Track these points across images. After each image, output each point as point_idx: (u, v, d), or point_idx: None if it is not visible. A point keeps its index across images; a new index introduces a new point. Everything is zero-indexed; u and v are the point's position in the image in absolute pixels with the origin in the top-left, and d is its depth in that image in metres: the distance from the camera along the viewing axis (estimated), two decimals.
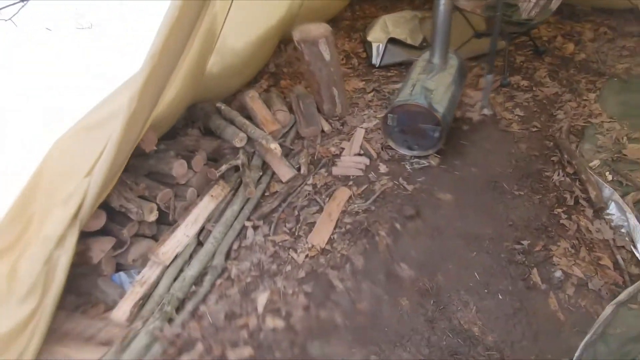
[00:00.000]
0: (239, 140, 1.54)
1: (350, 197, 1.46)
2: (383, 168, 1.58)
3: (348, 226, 1.35)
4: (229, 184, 1.51)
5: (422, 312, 1.14)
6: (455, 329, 1.10)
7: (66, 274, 1.07)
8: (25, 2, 3.84)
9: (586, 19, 2.28)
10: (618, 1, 2.21)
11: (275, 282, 1.19)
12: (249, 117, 1.68)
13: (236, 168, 1.57)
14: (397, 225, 1.35)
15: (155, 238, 1.39)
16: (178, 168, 1.39)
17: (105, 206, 1.23)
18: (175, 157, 1.42)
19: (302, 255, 1.26)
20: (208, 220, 1.39)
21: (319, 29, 1.58)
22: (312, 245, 1.28)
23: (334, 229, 1.35)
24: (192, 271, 1.28)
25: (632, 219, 1.25)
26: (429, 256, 1.28)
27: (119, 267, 1.31)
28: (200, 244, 1.36)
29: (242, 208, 1.45)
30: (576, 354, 1.02)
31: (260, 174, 1.57)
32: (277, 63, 2.27)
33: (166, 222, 1.42)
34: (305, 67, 1.68)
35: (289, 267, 1.23)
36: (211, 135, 1.70)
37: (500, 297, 1.17)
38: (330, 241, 1.31)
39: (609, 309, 1.08)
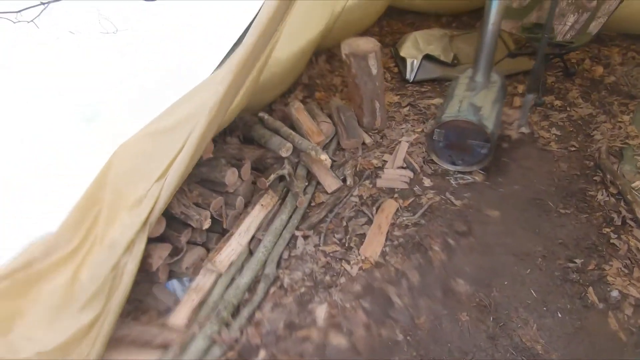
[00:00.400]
0: (285, 150, 1.55)
1: (397, 210, 1.47)
2: (427, 182, 1.59)
3: (400, 239, 1.35)
4: (277, 193, 1.51)
5: (483, 328, 1.14)
6: (518, 347, 1.10)
7: (132, 280, 1.06)
8: (46, 4, 3.88)
9: (612, 43, 2.34)
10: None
11: (330, 294, 1.19)
12: (293, 128, 1.69)
13: (281, 178, 1.58)
14: (450, 241, 1.36)
15: (204, 246, 1.39)
16: (230, 176, 1.39)
17: (164, 212, 1.22)
18: (227, 165, 1.42)
19: (356, 267, 1.26)
20: (258, 229, 1.39)
21: (368, 44, 1.60)
22: (365, 258, 1.28)
23: (385, 241, 1.35)
24: (245, 279, 1.27)
25: None
26: (483, 272, 1.29)
27: (170, 275, 1.30)
28: (250, 252, 1.36)
29: (290, 218, 1.45)
30: None
31: (306, 184, 1.57)
32: (310, 75, 2.30)
33: (214, 229, 1.42)
34: (351, 80, 1.70)
35: (343, 279, 1.23)
36: (250, 144, 1.71)
37: (559, 315, 1.17)
38: (383, 254, 1.31)
39: None
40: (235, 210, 1.42)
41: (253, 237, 1.38)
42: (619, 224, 1.40)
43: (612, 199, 1.48)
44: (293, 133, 1.61)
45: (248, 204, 1.48)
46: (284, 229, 1.39)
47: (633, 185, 1.52)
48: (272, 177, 1.48)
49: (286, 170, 1.54)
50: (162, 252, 1.22)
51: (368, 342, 1.07)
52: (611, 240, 1.35)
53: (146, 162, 1.11)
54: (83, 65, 2.88)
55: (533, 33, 1.96)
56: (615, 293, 1.21)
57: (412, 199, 1.51)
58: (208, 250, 1.38)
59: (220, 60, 1.30)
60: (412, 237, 1.36)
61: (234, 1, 3.40)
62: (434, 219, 1.43)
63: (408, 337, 1.11)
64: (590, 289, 1.23)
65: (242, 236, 1.34)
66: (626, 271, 1.26)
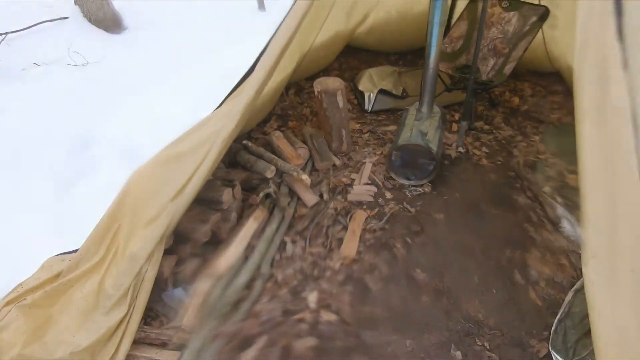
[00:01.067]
0: (270, 172, 1.81)
1: (366, 218, 1.78)
2: (388, 195, 1.93)
3: (370, 241, 1.66)
4: (265, 208, 1.76)
5: (439, 305, 1.45)
6: (466, 317, 1.42)
7: (152, 285, 1.24)
8: (4, 35, 3.88)
9: (524, 79, 2.90)
10: (546, 65, 2.85)
11: (319, 284, 1.44)
12: (274, 153, 1.96)
13: (267, 195, 1.83)
14: (409, 240, 1.68)
15: (202, 256, 1.58)
16: (226, 195, 1.62)
17: None
18: (222, 186, 1.65)
19: (337, 263, 1.54)
20: (252, 237, 1.62)
21: (335, 82, 1.94)
22: (345, 256, 1.56)
23: (359, 243, 1.65)
24: (242, 278, 1.48)
25: (578, 230, 1.69)
26: (436, 263, 1.61)
27: (175, 283, 1.48)
28: (246, 258, 1.58)
29: (278, 227, 1.70)
30: (552, 329, 1.37)
31: (289, 200, 1.84)
32: (282, 106, 2.60)
33: (210, 242, 1.62)
34: (321, 112, 2.02)
35: (328, 273, 1.50)
36: (234, 168, 1.95)
37: (494, 292, 1.51)
38: (358, 252, 1.60)
39: (569, 294, 1.46)
40: (230, 224, 1.65)
41: (248, 245, 1.61)
42: (535, 220, 1.81)
43: (530, 202, 1.91)
44: (275, 157, 1.88)
45: (239, 218, 1.71)
46: (274, 236, 1.64)
47: (544, 190, 1.96)
48: (262, 194, 1.73)
49: (272, 188, 1.80)
50: (170, 263, 1.41)
51: (354, 316, 1.34)
52: (530, 234, 1.74)
53: (161, 185, 1.31)
54: (52, 96, 2.93)
55: (463, 72, 2.44)
56: (533, 272, 1.59)
57: (377, 209, 1.83)
58: (206, 260, 1.58)
59: (227, 95, 1.54)
60: (379, 239, 1.67)
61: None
62: (395, 224, 1.76)
63: (384, 314, 1.39)
64: (516, 271, 1.59)
65: (238, 244, 1.56)
66: (541, 256, 1.65)
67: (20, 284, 1.27)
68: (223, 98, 1.56)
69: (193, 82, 2.74)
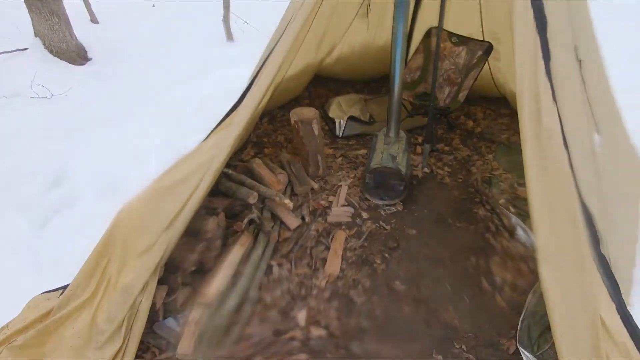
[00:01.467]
0: (253, 198, 1.89)
1: (346, 238, 1.90)
2: (365, 215, 2.07)
3: (352, 258, 1.77)
4: (250, 233, 1.82)
5: (419, 314, 1.58)
6: (443, 323, 1.55)
7: (147, 316, 1.26)
8: None
9: (477, 104, 3.22)
10: (493, 91, 3.19)
11: (307, 302, 1.53)
12: (255, 180, 2.05)
13: (250, 221, 1.90)
14: (386, 255, 1.82)
15: (191, 285, 1.61)
16: (211, 224, 1.68)
17: None
18: (206, 214, 1.71)
19: (323, 281, 1.64)
20: (239, 263, 1.68)
21: (310, 112, 2.09)
22: (329, 274, 1.66)
23: (341, 261, 1.76)
24: (231, 304, 1.53)
25: (531, 236, 1.91)
26: (412, 275, 1.75)
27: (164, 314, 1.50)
28: (234, 283, 1.63)
29: (263, 252, 1.77)
30: (518, 327, 1.53)
31: (272, 224, 1.92)
32: (257, 134, 2.71)
33: (198, 270, 1.66)
34: (298, 140, 2.15)
35: (315, 291, 1.59)
36: (217, 196, 2.02)
37: (466, 299, 1.66)
38: (342, 270, 1.71)
39: (530, 296, 1.64)
40: (215, 252, 1.70)
41: (235, 271, 1.66)
42: (494, 230, 2.01)
43: (489, 214, 2.11)
44: (257, 184, 1.96)
45: (224, 245, 1.76)
46: (260, 260, 1.71)
47: (499, 202, 2.19)
48: (246, 220, 1.81)
49: (255, 214, 1.87)
50: (162, 293, 1.44)
51: (342, 329, 1.43)
52: (491, 242, 1.93)
53: (153, 216, 1.35)
54: (18, 130, 2.85)
55: (423, 100, 2.69)
56: (498, 279, 1.76)
57: (355, 229, 1.96)
58: (195, 289, 1.61)
59: (215, 126, 1.62)
60: (360, 256, 1.79)
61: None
62: (373, 241, 1.89)
63: (370, 325, 1.49)
64: (483, 278, 1.76)
65: (226, 270, 1.61)
66: (502, 263, 1.84)
67: (6, 325, 1.25)
68: (210, 130, 1.63)
69: (166, 113, 2.78)
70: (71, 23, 4.25)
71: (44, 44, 4.15)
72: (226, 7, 4.35)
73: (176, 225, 1.34)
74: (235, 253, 1.68)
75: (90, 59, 4.43)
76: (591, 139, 1.30)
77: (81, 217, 1.82)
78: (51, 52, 4.15)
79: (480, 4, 2.58)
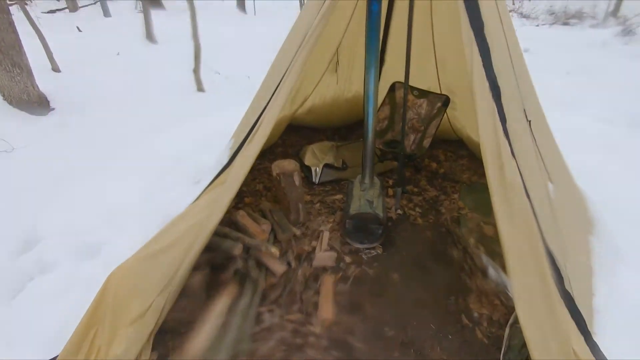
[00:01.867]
0: (238, 250, 1.93)
1: (334, 282, 1.95)
2: (348, 259, 2.15)
3: (343, 303, 1.83)
4: (236, 283, 1.83)
5: (409, 356, 1.64)
6: None
7: None
8: None
9: (439, 147, 3.50)
10: (452, 135, 3.49)
11: (305, 352, 1.54)
12: (239, 231, 2.08)
13: (236, 270, 1.91)
14: (374, 299, 1.88)
15: (180, 346, 1.57)
16: (197, 280, 1.69)
17: None
18: (192, 271, 1.70)
19: (318, 327, 1.67)
20: (227, 314, 1.67)
21: (290, 165, 2.20)
22: (324, 319, 1.70)
23: (332, 305, 1.80)
24: (222, 357, 1.50)
25: (502, 274, 2.07)
26: (398, 319, 1.82)
27: None
28: (223, 335, 1.61)
29: (251, 299, 1.78)
30: None
31: (258, 272, 1.94)
32: None
33: (185, 328, 1.63)
34: (280, 191, 2.23)
35: (312, 339, 1.61)
36: None
37: (449, 336, 1.76)
38: (334, 314, 1.76)
39: (507, 329, 1.77)
40: (202, 306, 1.68)
41: (223, 322, 1.65)
42: (468, 270, 2.16)
43: (461, 253, 2.27)
44: (242, 235, 2.00)
45: (210, 297, 1.75)
46: (249, 308, 1.71)
47: (469, 241, 2.36)
48: (232, 271, 1.82)
49: (240, 264, 1.90)
50: (152, 356, 1.40)
51: None
52: (466, 282, 2.07)
53: (146, 280, 1.35)
54: None
55: (391, 147, 2.91)
56: (476, 314, 1.88)
57: (341, 273, 2.03)
58: (184, 348, 1.57)
59: (207, 185, 1.66)
60: (350, 300, 1.85)
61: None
62: (360, 285, 1.96)
63: None
64: (463, 315, 1.87)
65: (212, 322, 1.60)
66: (478, 299, 1.97)
67: None
68: (203, 187, 1.67)
69: (142, 166, 2.76)
70: (33, 72, 4.16)
71: (3, 95, 4.02)
72: (197, 58, 4.48)
73: (170, 288, 1.34)
74: (222, 303, 1.69)
75: (53, 109, 4.32)
76: (546, 187, 1.50)
77: (57, 284, 1.73)
78: (11, 103, 4.02)
79: (436, 63, 2.90)
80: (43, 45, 5.35)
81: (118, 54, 6.46)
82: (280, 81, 1.55)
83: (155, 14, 7.55)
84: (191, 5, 4.30)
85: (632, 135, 3.59)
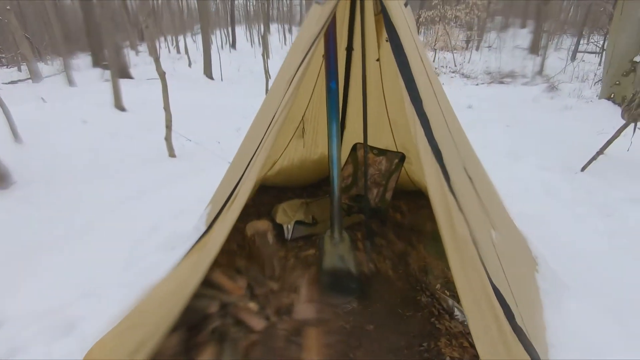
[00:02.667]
0: (214, 307, 1.97)
1: (317, 335, 2.01)
2: (326, 312, 2.22)
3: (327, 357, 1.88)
4: (214, 342, 1.84)
5: None
6: None
7: None
8: None
9: (400, 199, 3.77)
10: (411, 187, 3.80)
11: None
12: (215, 289, 2.12)
13: (214, 329, 1.93)
14: (351, 355, 1.95)
15: None
16: (173, 342, 1.70)
17: None
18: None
19: None
20: None
21: (264, 225, 2.33)
22: None
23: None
24: None
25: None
26: None
27: None
28: None
29: (232, 358, 1.78)
30: None
31: (237, 329, 1.96)
32: None
33: None
34: (255, 249, 2.33)
35: None
36: None
37: None
38: None
39: None
40: None
41: None
42: (437, 314, 2.29)
43: (430, 299, 2.42)
44: (217, 293, 2.05)
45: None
46: None
47: (436, 287, 2.52)
48: (210, 330, 1.84)
49: (218, 322, 1.92)
50: None
51: None
52: (437, 326, 2.20)
53: (126, 348, 1.37)
54: None
55: (356, 201, 3.13)
56: (447, 358, 1.99)
57: (322, 326, 2.09)
58: None
59: (188, 249, 1.73)
60: (333, 354, 1.90)
61: None
62: (339, 339, 2.03)
63: None
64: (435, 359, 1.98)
65: None
66: (449, 342, 2.09)
67: None
68: (182, 254, 1.75)
69: (116, 236, 2.76)
70: None
71: None
72: (168, 127, 4.67)
73: (146, 351, 1.37)
74: None
75: (15, 182, 4.24)
76: (490, 234, 1.73)
77: None
78: None
79: (390, 126, 3.27)
80: (5, 115, 5.32)
81: (85, 122, 6.52)
82: (254, 154, 1.74)
83: (123, 83, 7.80)
84: (163, 80, 4.58)
85: (565, 179, 4.08)
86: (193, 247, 1.72)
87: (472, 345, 2.03)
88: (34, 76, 10.53)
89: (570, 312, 2.02)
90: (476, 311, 1.41)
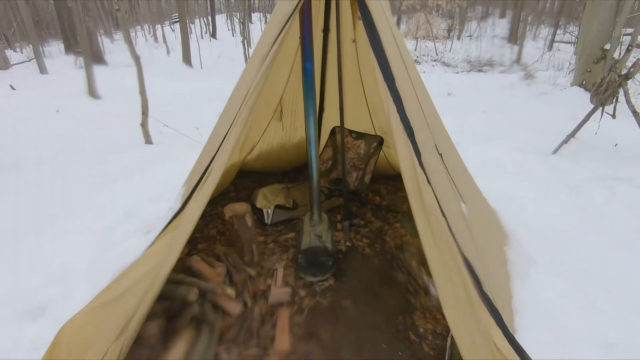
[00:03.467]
0: (193, 295, 1.97)
1: (290, 315, 2.04)
2: (302, 292, 2.25)
3: (299, 334, 1.91)
4: (192, 327, 1.85)
5: None
6: None
7: None
8: None
9: (379, 182, 3.83)
10: (390, 171, 3.85)
11: None
12: (194, 276, 2.12)
13: (192, 317, 1.93)
14: (328, 327, 2.00)
15: None
16: (153, 329, 1.70)
17: None
18: (147, 321, 1.72)
19: (275, 357, 1.73)
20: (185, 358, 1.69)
21: (242, 207, 2.33)
22: (280, 350, 1.78)
23: (289, 336, 1.88)
24: None
25: None
26: (353, 343, 1.94)
27: None
28: None
29: (209, 341, 1.80)
30: None
31: (215, 314, 1.98)
32: None
33: None
34: (233, 233, 2.33)
35: None
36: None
37: (400, 353, 1.91)
38: (291, 344, 1.84)
39: (449, 339, 1.95)
40: (158, 354, 1.68)
41: None
42: (412, 290, 2.36)
43: (406, 276, 2.48)
44: (196, 280, 2.05)
45: (167, 346, 1.76)
46: (207, 350, 1.74)
47: (412, 264, 2.59)
48: (188, 317, 1.85)
49: (197, 310, 1.93)
50: None
51: None
52: (411, 301, 2.26)
53: (99, 329, 1.36)
54: None
55: (336, 184, 3.16)
56: (422, 330, 2.06)
57: (296, 306, 2.12)
58: None
59: (160, 231, 1.72)
60: (305, 330, 1.94)
61: None
62: (315, 315, 2.06)
63: None
64: (410, 332, 2.04)
65: None
66: (423, 316, 2.16)
67: None
68: (155, 235, 1.74)
69: (88, 223, 2.71)
70: None
71: None
72: (144, 113, 4.56)
73: (125, 336, 1.37)
74: (179, 349, 1.70)
75: None
76: (459, 207, 1.79)
77: (1, 349, 1.63)
78: None
79: (368, 109, 3.29)
80: None
81: (57, 110, 6.31)
82: (228, 131, 1.73)
83: (97, 70, 7.55)
84: (138, 64, 4.45)
85: (539, 162, 4.22)
86: (166, 226, 1.72)
87: (445, 318, 2.11)
88: (2, 63, 10.07)
89: (536, 282, 2.12)
90: (444, 279, 1.46)
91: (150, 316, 1.78)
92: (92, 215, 2.81)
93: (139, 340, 1.67)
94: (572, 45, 13.28)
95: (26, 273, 2.17)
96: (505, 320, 1.53)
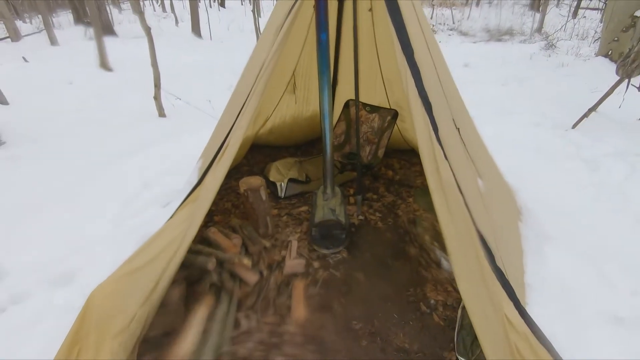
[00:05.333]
0: (212, 264, 2.04)
1: (304, 286, 2.11)
2: (316, 264, 2.31)
3: (313, 304, 1.99)
4: (212, 294, 1.94)
5: (375, 344, 1.82)
6: (396, 348, 1.81)
7: None
8: None
9: (393, 156, 3.80)
10: (404, 145, 3.81)
11: (282, 350, 1.68)
12: (211, 246, 2.19)
13: (211, 284, 2.02)
14: (342, 299, 2.06)
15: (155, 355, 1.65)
16: (175, 295, 1.78)
17: None
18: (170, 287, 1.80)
19: (292, 326, 1.82)
20: (206, 322, 1.78)
21: (257, 181, 2.36)
22: (297, 318, 1.85)
23: (304, 307, 1.96)
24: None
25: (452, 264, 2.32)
26: (365, 313, 2.01)
27: None
28: (204, 341, 1.70)
29: (228, 308, 1.89)
30: (455, 340, 1.86)
31: (233, 283, 2.05)
32: None
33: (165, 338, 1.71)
34: (248, 206, 2.37)
35: (287, 337, 1.76)
36: None
37: (411, 323, 1.96)
38: (306, 314, 1.91)
39: (460, 311, 2.01)
40: (180, 318, 1.77)
41: (203, 330, 1.75)
42: (424, 263, 2.39)
43: (418, 250, 2.51)
44: (214, 251, 2.11)
45: (188, 311, 1.85)
46: (226, 316, 1.83)
47: (425, 239, 2.62)
48: (207, 284, 1.93)
49: (215, 277, 2.01)
50: None
51: None
52: (423, 274, 2.30)
53: (127, 296, 1.43)
54: None
55: (349, 158, 3.15)
56: (432, 301, 2.11)
57: (310, 277, 2.19)
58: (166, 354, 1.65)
59: (182, 201, 1.77)
60: (319, 301, 2.01)
61: None
62: (328, 287, 2.13)
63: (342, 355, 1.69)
64: (421, 303, 2.09)
65: (194, 329, 1.70)
66: (434, 288, 2.20)
67: None
68: (176, 207, 1.78)
69: (107, 195, 2.78)
70: None
71: None
72: (157, 86, 4.55)
73: (152, 301, 1.44)
74: (201, 312, 1.79)
75: (4, 143, 4.19)
76: (476, 182, 1.78)
77: (31, 312, 1.74)
78: None
79: (383, 82, 3.22)
80: None
81: (71, 83, 6.33)
82: (244, 104, 1.72)
83: (108, 41, 7.49)
84: (149, 35, 4.39)
85: (555, 135, 4.11)
86: (186, 199, 1.75)
87: (456, 290, 2.15)
88: (13, 34, 10.03)
89: (550, 258, 2.13)
90: (459, 252, 1.48)
91: (172, 283, 1.86)
92: (111, 187, 2.89)
93: (163, 305, 1.75)
94: (599, 12, 12.52)
95: (52, 242, 2.27)
96: (517, 294, 1.56)
